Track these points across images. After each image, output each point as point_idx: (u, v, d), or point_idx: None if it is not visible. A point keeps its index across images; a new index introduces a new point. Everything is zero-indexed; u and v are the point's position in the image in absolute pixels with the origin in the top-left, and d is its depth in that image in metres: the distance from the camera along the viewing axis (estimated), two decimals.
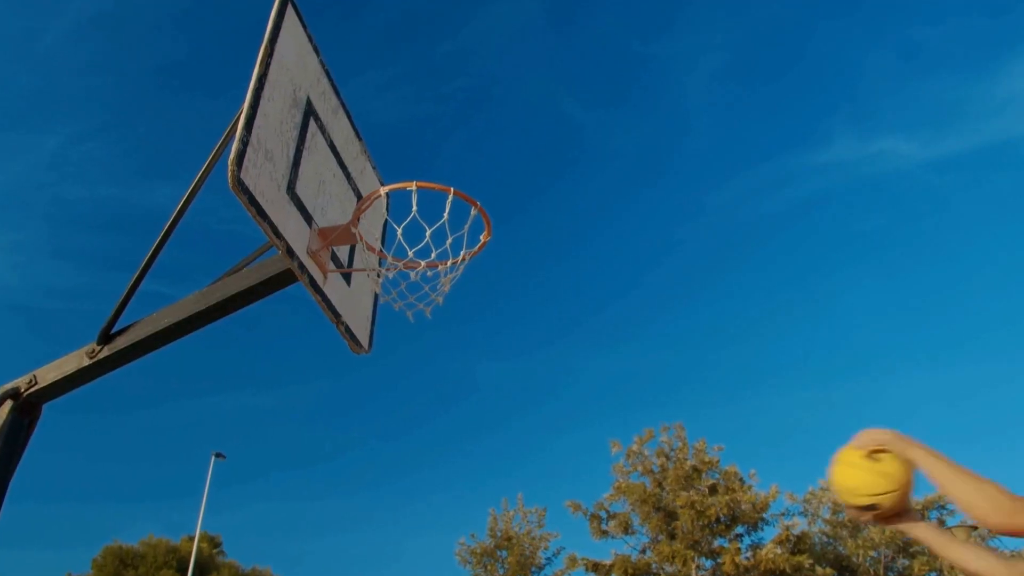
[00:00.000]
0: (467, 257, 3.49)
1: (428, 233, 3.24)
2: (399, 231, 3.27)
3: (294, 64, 3.47)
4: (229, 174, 2.81)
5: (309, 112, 3.60)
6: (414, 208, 3.21)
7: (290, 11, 3.46)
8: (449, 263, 3.46)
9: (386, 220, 4.35)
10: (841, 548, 20.54)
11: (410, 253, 3.31)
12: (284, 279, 3.53)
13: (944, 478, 1.57)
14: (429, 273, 3.49)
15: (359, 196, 4.10)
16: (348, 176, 4.05)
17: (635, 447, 20.29)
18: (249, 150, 2.93)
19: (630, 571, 18.69)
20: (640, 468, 20.02)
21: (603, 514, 19.84)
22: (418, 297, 3.53)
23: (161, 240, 3.42)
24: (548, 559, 20.85)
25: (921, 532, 1.76)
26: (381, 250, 3.93)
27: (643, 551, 19.46)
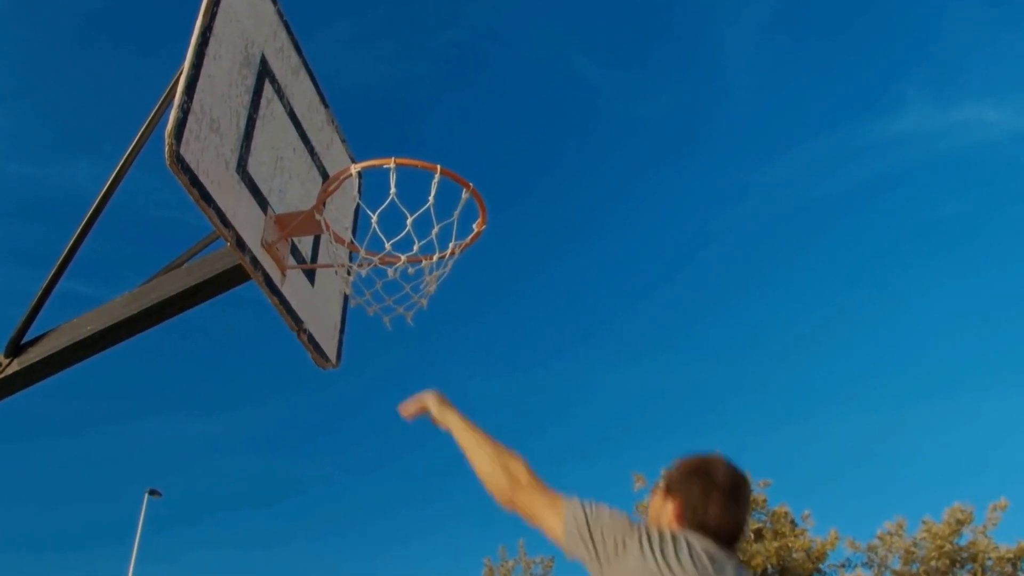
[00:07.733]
0: (457, 250, 3.50)
1: (409, 221, 3.25)
2: (374, 218, 3.27)
3: (245, 14, 3.48)
4: (166, 149, 2.82)
5: (264, 73, 3.61)
6: (392, 190, 3.22)
7: None
8: (435, 257, 3.47)
9: (358, 205, 4.37)
10: None
11: (387, 245, 3.32)
12: (233, 277, 3.54)
13: (467, 443, 2.10)
14: (411, 270, 3.50)
15: (325, 176, 4.11)
16: (312, 151, 4.06)
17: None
18: (190, 119, 2.95)
19: None
20: None
21: None
22: (397, 299, 3.54)
23: (83, 230, 3.43)
24: None
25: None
26: (352, 241, 3.94)
27: None
